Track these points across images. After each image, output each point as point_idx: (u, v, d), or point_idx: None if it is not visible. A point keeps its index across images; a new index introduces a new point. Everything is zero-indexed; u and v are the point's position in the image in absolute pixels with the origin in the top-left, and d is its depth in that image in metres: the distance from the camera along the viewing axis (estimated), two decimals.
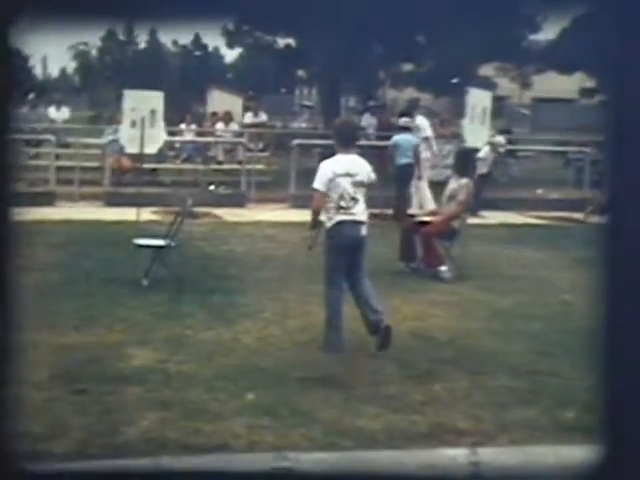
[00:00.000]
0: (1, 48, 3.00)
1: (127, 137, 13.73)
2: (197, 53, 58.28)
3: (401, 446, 5.39)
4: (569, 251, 12.49)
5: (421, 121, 15.64)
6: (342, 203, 7.41)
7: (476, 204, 12.74)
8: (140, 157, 14.53)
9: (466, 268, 10.75)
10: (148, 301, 8.91)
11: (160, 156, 17.89)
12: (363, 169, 7.57)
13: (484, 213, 15.50)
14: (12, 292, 3.07)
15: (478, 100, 14.72)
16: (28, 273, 9.70)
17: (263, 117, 22.42)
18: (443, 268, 10.62)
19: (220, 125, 20.99)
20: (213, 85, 26.23)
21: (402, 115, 15.62)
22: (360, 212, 7.47)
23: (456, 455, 1.31)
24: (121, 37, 57.49)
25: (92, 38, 56.76)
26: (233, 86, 29.75)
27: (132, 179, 16.61)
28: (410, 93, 25.77)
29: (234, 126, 21.11)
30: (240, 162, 18.82)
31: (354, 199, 7.43)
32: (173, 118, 19.52)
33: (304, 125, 29.86)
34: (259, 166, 19.53)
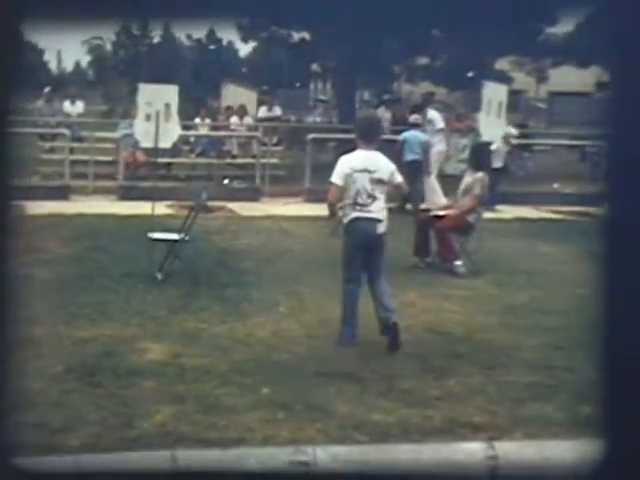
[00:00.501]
0: (9, 43, 3.00)
1: (141, 131, 13.69)
2: (211, 47, 58.28)
3: (416, 440, 5.38)
4: (585, 246, 12.38)
5: (433, 115, 15.59)
6: (358, 199, 7.33)
7: (491, 198, 12.68)
8: (154, 151, 14.52)
9: (481, 263, 10.72)
10: (163, 295, 8.92)
11: (175, 150, 17.88)
12: (383, 166, 7.45)
13: (500, 207, 15.44)
14: (23, 286, 3.07)
15: (494, 94, 14.63)
16: (43, 267, 9.74)
17: (277, 111, 22.41)
18: (458, 262, 10.59)
19: (234, 119, 20.99)
20: (227, 79, 26.28)
21: (412, 112, 15.60)
22: (377, 210, 7.36)
23: (473, 449, 1.31)
24: (135, 31, 57.54)
25: (106, 32, 56.87)
26: (247, 80, 29.79)
27: (146, 173, 16.64)
28: (425, 87, 25.70)
29: (248, 120, 21.11)
30: (254, 156, 18.81)
31: (372, 196, 7.33)
32: (188, 112, 19.51)
33: (318, 119, 29.82)
34: (273, 160, 19.51)
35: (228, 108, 22.10)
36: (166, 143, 14.07)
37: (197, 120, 20.99)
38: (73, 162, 17.51)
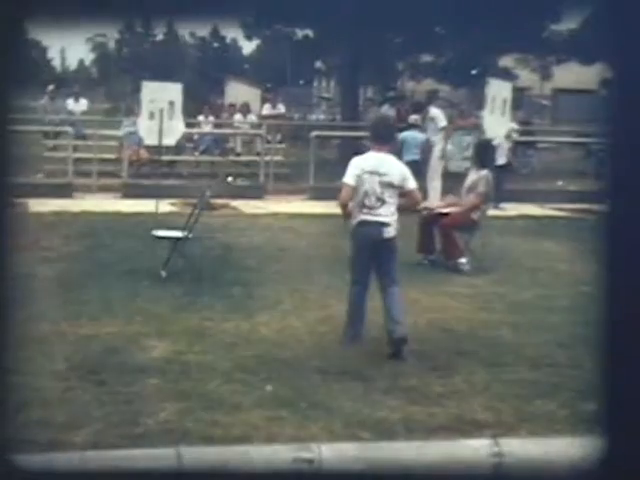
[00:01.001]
0: (11, 41, 2.99)
1: (145, 129, 13.72)
2: (215, 45, 58.31)
3: (421, 437, 5.38)
4: (589, 243, 12.37)
5: (435, 113, 15.56)
6: (366, 202, 7.21)
7: (496, 196, 12.67)
8: (158, 149, 14.53)
9: (485, 260, 10.71)
10: (167, 292, 8.92)
11: (178, 148, 17.90)
12: (395, 170, 7.34)
13: (504, 205, 15.43)
14: (27, 284, 3.07)
15: (498, 91, 14.65)
16: (47, 264, 9.75)
17: (281, 109, 22.40)
18: (462, 260, 10.58)
19: (238, 117, 21.00)
20: (231, 77, 26.24)
21: (414, 111, 15.59)
22: (385, 214, 7.21)
23: (478, 446, 1.31)
24: (139, 29, 57.56)
25: (110, 30, 56.89)
26: (251, 78, 29.76)
27: (150, 171, 16.64)
28: (429, 84, 25.68)
29: (252, 118, 21.11)
30: (258, 154, 18.82)
31: (380, 199, 7.20)
32: (191, 110, 19.52)
33: (322, 117, 29.84)
34: (277, 158, 19.51)
35: (231, 106, 22.10)
36: (170, 141, 14.10)
37: (201, 118, 20.99)
38: (77, 160, 17.53)
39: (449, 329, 8.00)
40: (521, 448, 1.32)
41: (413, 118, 15.05)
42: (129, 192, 16.04)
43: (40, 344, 6.71)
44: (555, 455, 1.42)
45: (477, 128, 15.75)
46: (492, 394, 6.34)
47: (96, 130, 19.17)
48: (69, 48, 64.95)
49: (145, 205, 13.25)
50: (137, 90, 15.53)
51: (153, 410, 5.73)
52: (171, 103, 13.50)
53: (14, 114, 2.90)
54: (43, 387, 5.97)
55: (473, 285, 9.82)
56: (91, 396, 5.96)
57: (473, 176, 10.97)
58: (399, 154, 14.55)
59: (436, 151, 14.95)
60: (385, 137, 7.51)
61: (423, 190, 14.47)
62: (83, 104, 21.47)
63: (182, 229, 9.76)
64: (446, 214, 10.82)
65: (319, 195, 16.20)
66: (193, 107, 20.86)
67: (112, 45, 61.42)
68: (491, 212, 11.85)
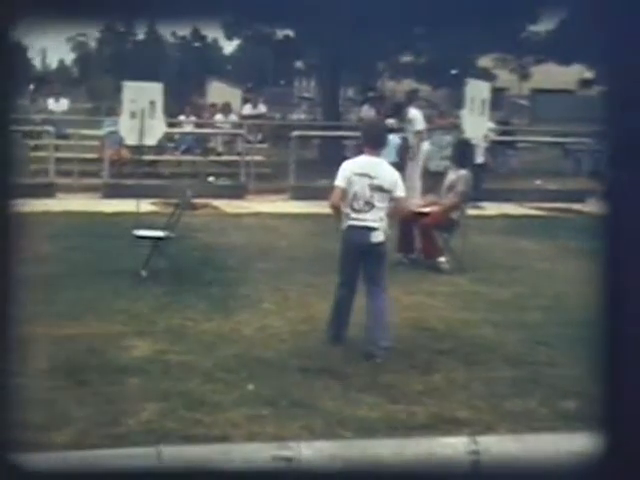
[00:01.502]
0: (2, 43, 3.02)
1: (126, 129, 13.69)
2: (196, 44, 58.23)
3: (401, 435, 5.43)
4: (567, 242, 12.52)
5: (414, 114, 15.60)
6: (355, 205, 7.15)
7: (475, 195, 12.74)
8: (139, 149, 14.53)
9: (465, 259, 10.77)
10: (148, 292, 8.93)
11: (159, 148, 17.88)
12: (386, 174, 7.24)
13: (483, 204, 15.51)
14: (12, 284, 3.09)
15: (477, 91, 14.71)
16: (28, 264, 9.72)
17: (262, 108, 22.42)
18: (442, 259, 10.64)
19: (219, 116, 21.01)
20: (212, 76, 26.26)
21: (392, 113, 15.63)
22: (374, 218, 7.14)
23: (456, 444, 1.33)
24: (120, 28, 57.41)
25: (91, 30, 56.72)
26: (232, 78, 29.78)
27: (131, 171, 16.61)
28: (409, 84, 25.76)
29: (233, 117, 21.12)
30: (239, 153, 18.82)
31: (369, 203, 7.13)
32: (172, 109, 19.51)
33: (303, 117, 29.87)
34: (258, 157, 19.53)
35: (212, 105, 22.11)
36: (151, 141, 14.08)
37: (182, 117, 20.98)
38: (58, 160, 17.47)
39: (429, 328, 8.06)
40: (499, 445, 1.35)
41: (389, 122, 15.08)
42: (110, 192, 16.01)
43: (21, 344, 6.71)
44: (532, 452, 1.45)
45: (456, 128, 15.82)
46: (472, 392, 6.39)
47: (77, 130, 19.12)
48: (50, 48, 64.66)
49: (126, 205, 13.23)
50: (118, 90, 15.49)
51: (135, 410, 5.75)
52: (152, 103, 13.48)
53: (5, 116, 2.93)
54: (23, 387, 5.97)
55: (453, 284, 9.88)
56: (72, 396, 5.98)
57: (452, 176, 11.04)
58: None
59: (415, 152, 15.00)
60: (378, 141, 7.47)
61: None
62: (64, 104, 21.40)
63: (163, 229, 9.77)
64: (426, 213, 10.87)
65: (300, 195, 16.25)
66: (174, 107, 20.85)
67: (93, 45, 61.23)
68: (470, 211, 11.92)
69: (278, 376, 6.56)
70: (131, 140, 13.95)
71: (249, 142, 19.49)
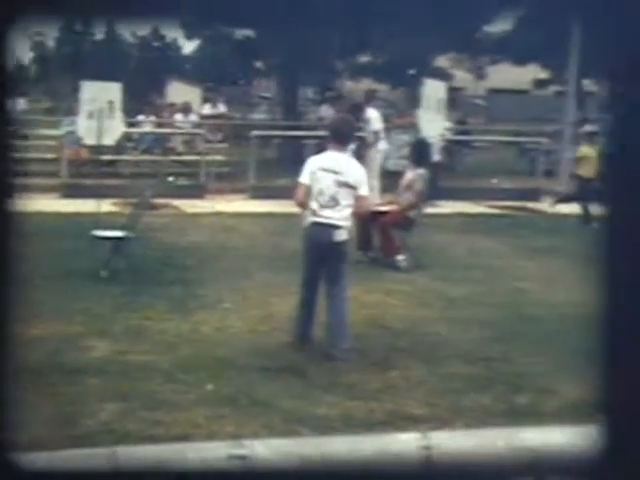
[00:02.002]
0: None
1: (84, 128, 13.67)
2: (155, 44, 57.91)
3: (358, 432, 5.51)
4: (523, 240, 12.71)
5: (371, 114, 15.71)
6: (320, 200, 7.05)
7: (431, 193, 12.86)
8: (98, 148, 14.49)
9: (423, 257, 10.89)
10: (107, 292, 8.93)
11: (119, 147, 17.82)
12: (352, 171, 7.17)
13: (440, 202, 15.65)
14: None
15: (433, 91, 14.88)
16: None
17: (222, 108, 22.42)
18: (400, 257, 10.74)
19: (179, 116, 20.97)
20: (172, 76, 26.17)
21: (349, 114, 15.69)
22: (338, 217, 7.06)
23: (409, 439, 1.38)
24: (78, 28, 56.95)
25: (49, 29, 56.19)
26: (192, 77, 29.72)
27: (90, 171, 16.55)
28: (368, 84, 25.88)
29: (193, 117, 21.10)
30: (199, 153, 18.80)
31: (334, 199, 7.04)
32: (132, 109, 19.44)
33: (263, 116, 29.87)
34: (218, 157, 19.53)
35: (172, 105, 22.06)
36: (109, 140, 14.07)
37: (141, 117, 20.91)
38: (15, 160, 17.32)
39: (387, 325, 8.14)
40: (451, 441, 1.39)
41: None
42: (69, 192, 15.92)
43: None
44: (485, 447, 1.51)
45: (414, 127, 15.96)
46: (428, 389, 6.48)
47: (35, 129, 18.99)
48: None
49: (85, 205, 13.19)
50: (76, 89, 15.42)
51: (93, 410, 5.76)
52: (110, 102, 13.47)
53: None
54: None
55: (410, 282, 9.97)
56: (30, 398, 5.98)
57: (410, 175, 11.16)
58: None
59: (373, 151, 15.10)
60: (345, 137, 7.40)
61: None
62: (21, 103, 21.25)
63: (123, 229, 9.77)
64: (384, 212, 10.98)
65: (260, 194, 16.30)
66: (134, 106, 20.77)
67: (51, 44, 60.66)
68: (428, 210, 12.04)
69: (238, 375, 6.60)
70: (89, 140, 13.93)
71: (209, 142, 19.47)
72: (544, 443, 1.43)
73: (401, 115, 19.85)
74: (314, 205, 7.11)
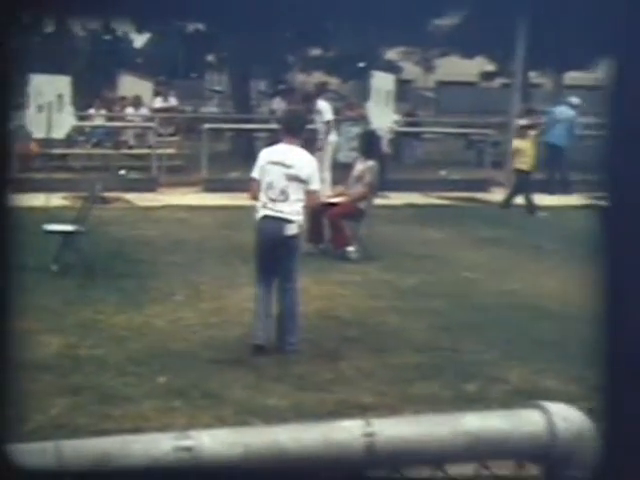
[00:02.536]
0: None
1: (33, 122, 13.57)
2: (106, 37, 57.36)
3: (305, 422, 5.58)
4: (471, 230, 12.86)
5: (322, 106, 15.77)
6: (270, 194, 6.95)
7: (380, 185, 12.96)
8: (48, 142, 14.39)
9: (373, 248, 10.97)
10: (58, 287, 8.89)
11: (70, 141, 17.70)
12: (303, 164, 7.06)
13: (389, 194, 15.74)
14: None
15: (382, 83, 14.97)
16: None
17: (173, 102, 22.36)
18: (350, 248, 10.82)
19: (130, 110, 20.87)
20: (123, 70, 25.99)
21: (302, 102, 15.76)
22: (289, 210, 6.94)
23: (351, 427, 1.44)
24: (27, 20, 56.26)
25: None
26: (143, 71, 29.50)
27: (41, 165, 16.42)
28: (319, 77, 25.94)
29: (144, 111, 21.01)
30: (150, 146, 18.74)
31: (284, 192, 6.94)
32: (82, 103, 19.30)
33: (215, 109, 29.78)
34: (170, 150, 19.49)
35: (123, 98, 21.93)
36: (59, 134, 13.97)
37: (92, 111, 20.77)
38: None
39: (337, 316, 8.22)
40: (394, 428, 1.45)
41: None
42: (19, 187, 15.75)
43: None
44: (431, 432, 1.57)
45: (364, 119, 16.05)
46: (378, 378, 6.59)
47: None
48: None
49: (36, 199, 13.09)
50: (25, 83, 15.29)
51: (44, 406, 5.75)
52: (60, 96, 13.38)
53: None
54: None
55: (361, 272, 10.06)
56: None
57: (360, 166, 11.25)
58: None
59: (324, 143, 15.17)
60: (296, 129, 7.33)
61: None
62: None
63: (73, 223, 9.73)
64: (335, 204, 11.05)
65: (212, 187, 16.29)
66: (84, 100, 20.61)
67: None
68: (377, 201, 12.14)
69: (190, 368, 6.64)
70: (39, 133, 13.82)
71: (160, 135, 19.42)
72: (486, 428, 1.49)
73: (352, 107, 19.94)
74: (264, 198, 7.02)
